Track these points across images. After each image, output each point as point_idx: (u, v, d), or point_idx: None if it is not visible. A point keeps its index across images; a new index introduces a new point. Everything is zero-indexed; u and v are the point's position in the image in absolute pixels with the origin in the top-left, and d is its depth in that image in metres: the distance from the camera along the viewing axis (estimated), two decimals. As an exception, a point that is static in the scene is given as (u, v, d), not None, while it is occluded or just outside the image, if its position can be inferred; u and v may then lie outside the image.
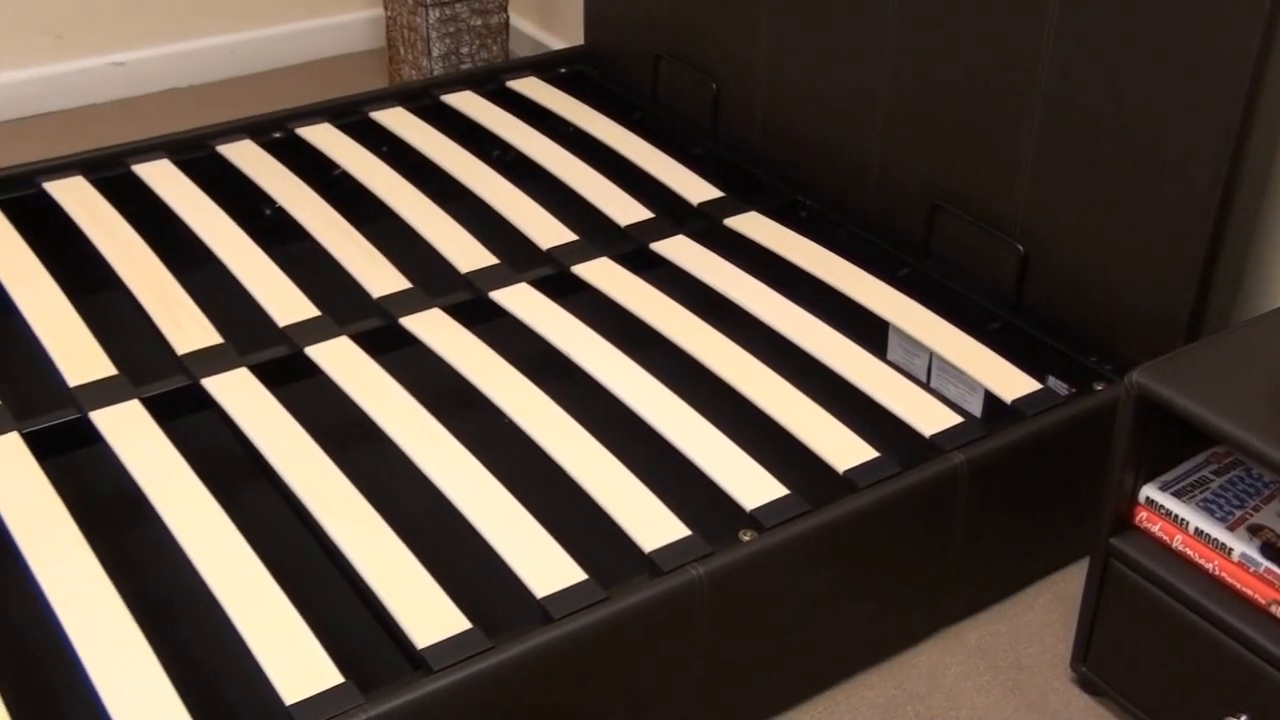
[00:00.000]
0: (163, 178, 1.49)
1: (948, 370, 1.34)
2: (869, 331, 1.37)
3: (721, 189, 1.56)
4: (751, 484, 1.09)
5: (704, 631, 1.01)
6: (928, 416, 1.17)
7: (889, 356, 1.41)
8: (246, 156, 1.54)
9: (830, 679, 1.13)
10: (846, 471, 1.10)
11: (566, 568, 1.00)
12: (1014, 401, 1.19)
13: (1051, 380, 1.30)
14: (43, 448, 1.12)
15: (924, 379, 1.37)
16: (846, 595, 1.09)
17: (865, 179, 1.48)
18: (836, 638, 1.11)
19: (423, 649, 0.92)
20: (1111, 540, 1.05)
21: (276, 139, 1.60)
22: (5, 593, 1.16)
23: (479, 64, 2.04)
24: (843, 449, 1.13)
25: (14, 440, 1.10)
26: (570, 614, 0.95)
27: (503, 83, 1.75)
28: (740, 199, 1.55)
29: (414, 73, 2.05)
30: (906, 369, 1.39)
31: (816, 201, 1.54)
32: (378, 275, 1.35)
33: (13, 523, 1.01)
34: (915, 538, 1.11)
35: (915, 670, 1.14)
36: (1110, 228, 1.23)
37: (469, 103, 1.69)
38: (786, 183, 1.58)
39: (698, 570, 0.99)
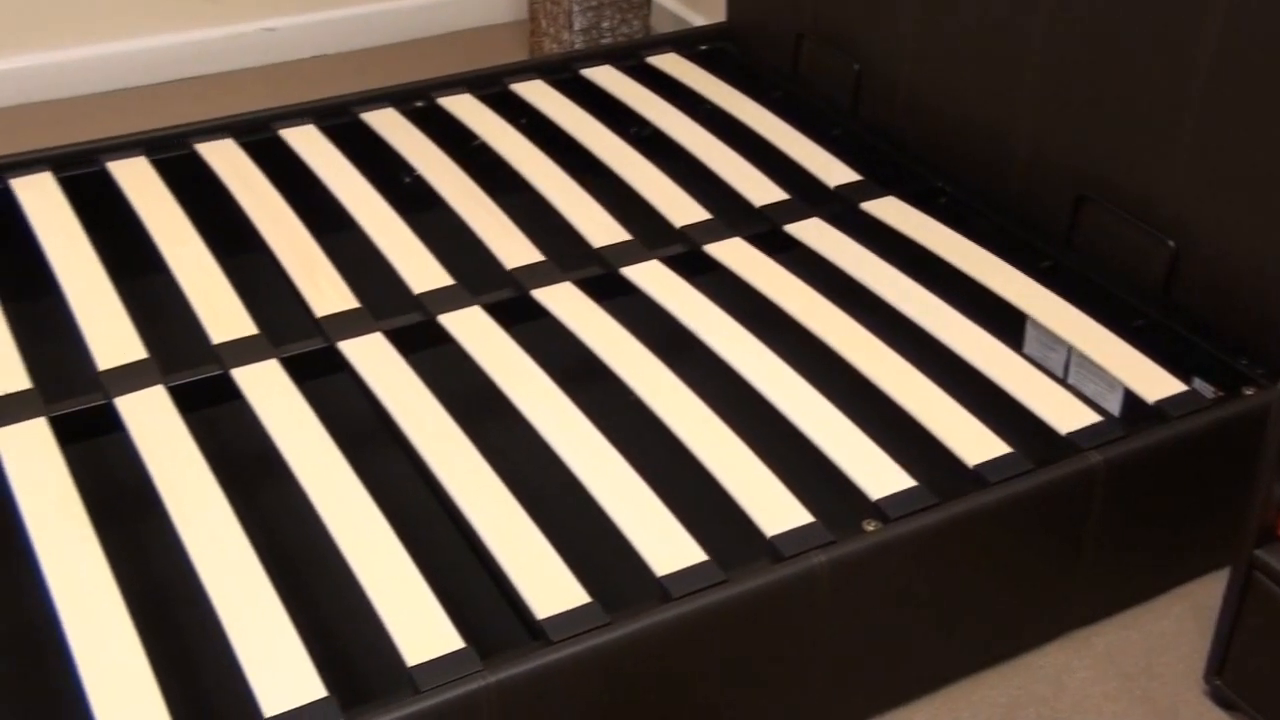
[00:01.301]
0: (307, 142, 1.52)
1: (1087, 367, 1.30)
2: (1006, 324, 1.34)
3: (860, 172, 1.53)
4: (878, 473, 1.07)
5: (823, 620, 1.00)
6: (1064, 413, 1.13)
7: (1025, 350, 1.37)
8: (388, 124, 1.56)
9: (950, 676, 1.11)
10: (977, 466, 1.08)
11: (687, 547, 0.99)
12: (1157, 402, 1.15)
13: (1197, 382, 1.25)
14: (185, 402, 1.15)
15: (1061, 375, 1.34)
16: (971, 592, 1.07)
17: (1009, 166, 1.44)
18: (958, 635, 1.09)
19: (542, 619, 0.93)
20: (1256, 552, 1.01)
21: (418, 108, 1.62)
22: (157, 538, 1.20)
23: (620, 39, 2.04)
24: (974, 443, 1.10)
25: (159, 393, 1.14)
26: (689, 594, 0.95)
27: (642, 58, 1.75)
28: (878, 183, 1.52)
29: (555, 46, 2.06)
30: (1043, 364, 1.35)
31: (957, 188, 1.51)
32: (511, 246, 1.36)
33: (157, 474, 1.05)
34: (1046, 538, 1.08)
35: (1040, 672, 1.11)
36: (1268, 224, 1.18)
37: (608, 77, 1.69)
38: (927, 168, 1.55)
39: (819, 558, 0.98)
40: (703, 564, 0.98)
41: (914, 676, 1.09)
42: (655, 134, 1.64)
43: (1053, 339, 1.33)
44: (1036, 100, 1.39)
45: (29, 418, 1.10)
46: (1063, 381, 1.34)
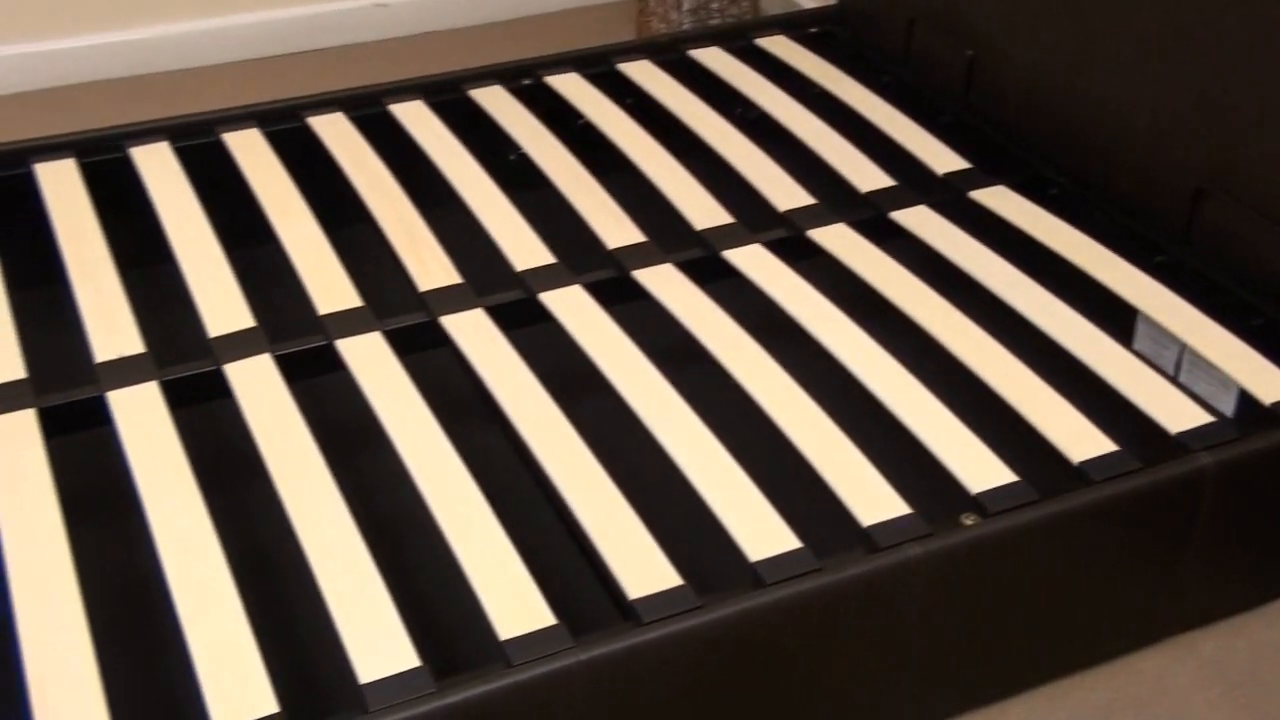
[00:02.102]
0: (416, 118, 1.53)
1: (1200, 365, 1.26)
2: (1116, 319, 1.31)
3: (969, 160, 1.50)
4: (978, 467, 1.05)
5: (917, 613, 0.99)
6: (1175, 412, 1.10)
7: (1135, 346, 1.34)
8: (495, 102, 1.57)
9: (1047, 675, 1.09)
10: (1081, 463, 1.05)
11: (781, 533, 0.99)
12: (1273, 404, 1.11)
13: (1316, 385, 1.21)
14: (291, 371, 1.18)
15: (1172, 373, 1.30)
16: (1071, 591, 1.05)
17: (1125, 158, 1.41)
18: (1057, 634, 1.07)
19: (634, 600, 0.93)
20: (1372, 563, 0.97)
21: (525, 86, 1.62)
22: (260, 502, 1.23)
23: (728, 20, 2.03)
24: (1078, 439, 1.08)
25: (266, 361, 1.16)
26: (782, 580, 0.95)
27: (751, 40, 1.73)
28: (988, 172, 1.49)
29: (662, 26, 2.05)
30: (1154, 361, 1.32)
31: (1069, 179, 1.47)
32: (613, 226, 1.36)
33: (261, 440, 1.07)
34: (1151, 539, 1.05)
35: (1140, 676, 1.09)
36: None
37: (715, 59, 1.68)
38: (1038, 157, 1.52)
39: (915, 550, 0.97)
40: (796, 551, 0.97)
41: (1009, 674, 1.07)
42: (761, 117, 1.62)
43: (1165, 336, 1.30)
44: (1156, 89, 1.35)
45: (142, 381, 1.13)
46: (1174, 380, 1.30)
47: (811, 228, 1.37)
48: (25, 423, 1.08)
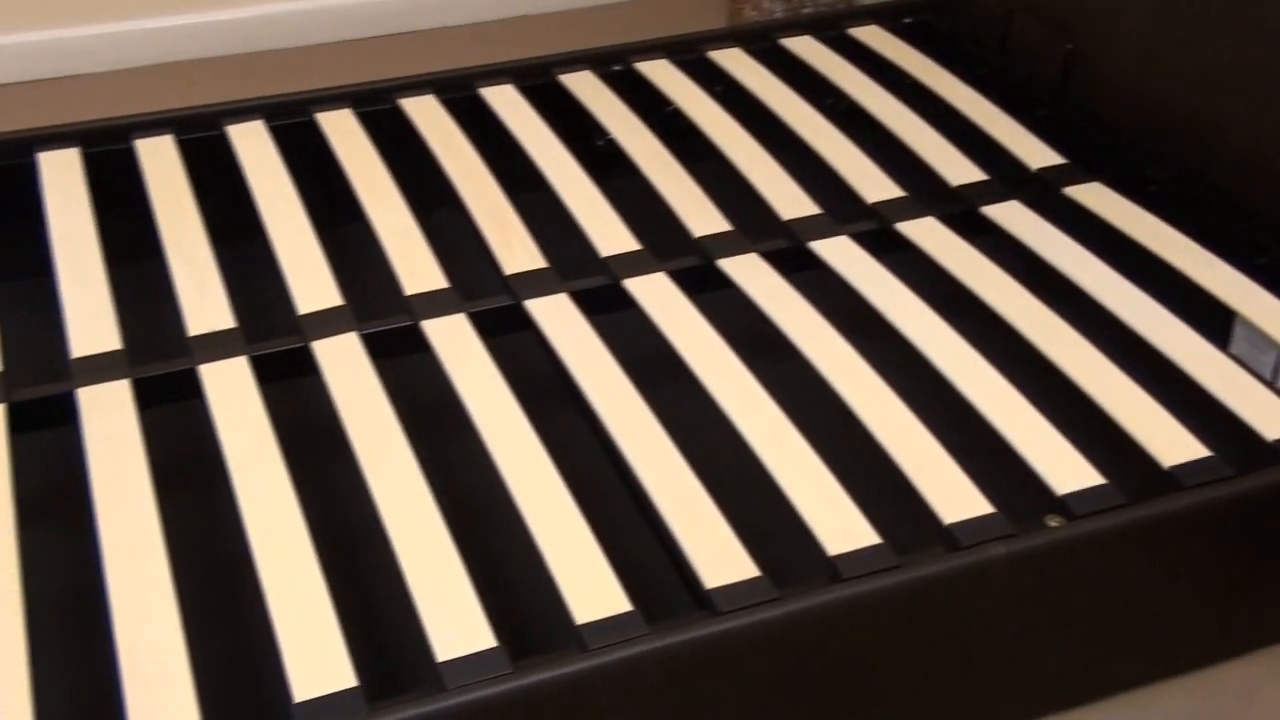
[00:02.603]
0: (505, 102, 1.54)
1: (1299, 372, 1.23)
2: (1212, 322, 1.27)
3: (1064, 155, 1.47)
4: (1065, 468, 1.03)
5: (997, 615, 0.98)
6: (1271, 418, 1.08)
7: (1231, 350, 1.31)
8: (585, 87, 1.57)
9: (1131, 682, 1.07)
10: (1172, 467, 1.03)
11: (861, 528, 0.98)
12: (1375, 414, 1.08)
13: None
14: (376, 350, 1.19)
15: (1270, 378, 1.27)
16: (1158, 598, 1.02)
17: (1227, 157, 1.37)
18: (1142, 640, 1.04)
19: (710, 589, 0.93)
20: None
21: (615, 71, 1.62)
22: (344, 479, 1.24)
23: (822, 9, 2.01)
24: (1170, 443, 1.06)
25: (353, 340, 1.18)
26: (860, 576, 0.94)
27: (843, 29, 1.72)
28: (1084, 167, 1.46)
29: (755, 14, 2.04)
30: (1251, 365, 1.29)
31: (1169, 176, 1.44)
32: (699, 215, 1.36)
33: (346, 418, 1.08)
34: (1244, 548, 1.03)
35: (1227, 686, 1.06)
36: None
37: (807, 48, 1.67)
38: (1137, 153, 1.48)
39: (998, 550, 0.95)
40: (876, 546, 0.96)
41: (1091, 680, 1.06)
42: (852, 107, 1.61)
43: (1263, 340, 1.26)
44: (1262, 87, 1.31)
45: (231, 356, 1.15)
46: (1271, 385, 1.27)
47: (900, 220, 1.35)
48: (120, 393, 1.11)
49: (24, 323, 1.36)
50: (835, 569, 0.95)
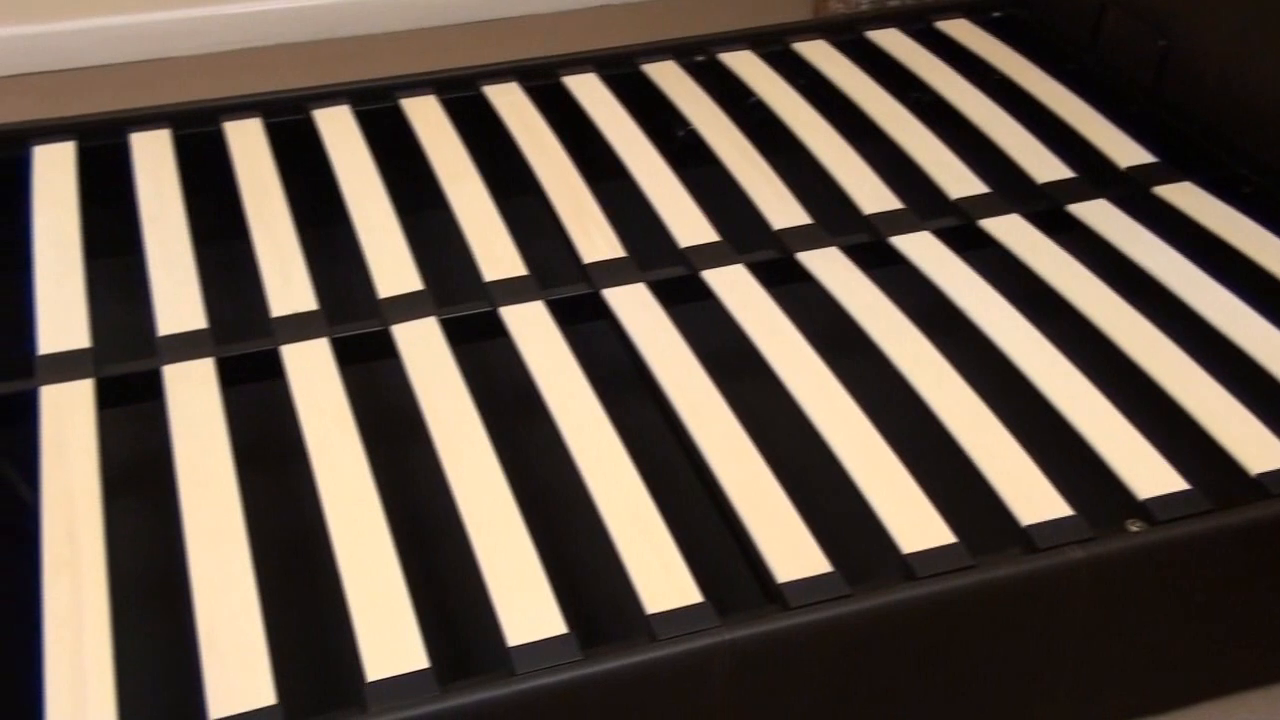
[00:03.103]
0: (587, 90, 1.54)
1: (1395, 381, 1.19)
2: (1305, 326, 1.24)
3: (1156, 154, 1.44)
4: (1147, 472, 1.01)
5: (1074, 619, 0.96)
6: (1365, 429, 1.05)
7: (1325, 357, 1.27)
8: (667, 77, 1.57)
9: (1208, 693, 1.05)
10: (1259, 474, 1.01)
11: (935, 527, 0.97)
12: None
13: None
14: (454, 335, 1.20)
15: (1364, 387, 1.23)
16: (1239, 607, 1.00)
17: (1325, 157, 1.33)
18: (1222, 650, 1.02)
19: (782, 583, 0.92)
20: None
21: (698, 62, 1.62)
22: (420, 462, 1.26)
23: (909, 2, 1.99)
24: (1257, 449, 1.03)
25: (432, 325, 1.18)
26: (934, 575, 0.93)
27: (931, 23, 1.70)
28: (1176, 166, 1.43)
29: (840, 6, 2.03)
30: (1344, 373, 1.25)
31: (1264, 177, 1.40)
32: (779, 207, 1.35)
33: (424, 402, 1.09)
34: (1331, 560, 1.00)
35: (1308, 703, 1.04)
36: None
37: (893, 41, 1.65)
38: (1232, 154, 1.45)
39: (1077, 554, 0.94)
40: (951, 546, 0.95)
41: (1166, 689, 1.04)
42: (937, 101, 1.59)
43: (1358, 347, 1.23)
44: (1365, 87, 1.27)
45: (313, 338, 1.17)
46: (1365, 394, 1.23)
47: (984, 217, 1.33)
48: (204, 371, 1.13)
49: (113, 301, 1.39)
50: (909, 567, 0.94)
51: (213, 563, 0.95)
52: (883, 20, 1.69)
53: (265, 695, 0.85)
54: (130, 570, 1.15)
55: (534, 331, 1.18)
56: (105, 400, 1.12)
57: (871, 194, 1.37)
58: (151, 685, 1.06)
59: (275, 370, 1.15)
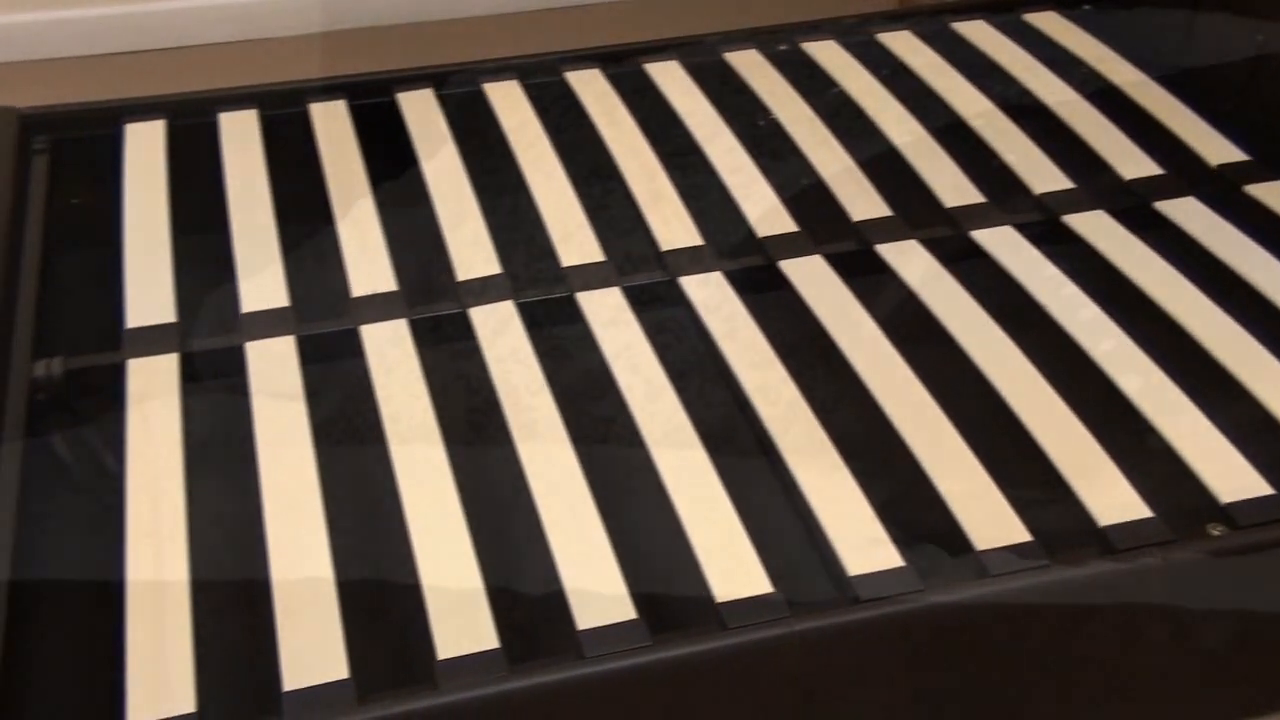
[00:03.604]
0: (669, 78, 1.54)
1: None
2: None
3: (1248, 152, 1.41)
4: (1230, 475, 0.99)
5: (1150, 622, 0.95)
6: None
7: None
8: (749, 65, 1.57)
9: (1266, 707, 1.03)
10: (1348, 483, 0.98)
11: (1010, 525, 0.96)
12: None
13: None
14: (531, 319, 1.21)
15: None
16: (1323, 618, 0.98)
17: None
18: (1301, 661, 1.00)
19: (853, 576, 0.92)
20: None
21: (781, 51, 1.61)
22: (495, 446, 1.27)
23: (994, -7, 1.96)
24: (1347, 457, 1.01)
25: (509, 309, 1.19)
26: (1007, 573, 0.92)
27: (1019, 15, 1.67)
28: (1270, 166, 1.40)
29: (925, -3, 2.00)
30: None
31: (1360, 178, 1.37)
32: (859, 198, 1.34)
33: (501, 387, 1.10)
34: None
35: (1391, 717, 1.01)
36: None
37: (980, 33, 1.63)
38: (1327, 153, 1.41)
39: (1155, 557, 0.92)
40: (1026, 544, 0.94)
41: (1243, 698, 1.02)
42: (1023, 94, 1.56)
43: None
44: None
45: (392, 318, 1.18)
46: None
47: (1067, 213, 1.31)
48: (285, 349, 1.15)
49: (199, 277, 1.42)
50: (982, 564, 0.93)
51: (289, 538, 0.96)
52: (970, 12, 1.67)
53: (339, 669, 0.87)
54: (211, 543, 1.18)
55: (609, 318, 1.18)
56: (189, 375, 1.15)
57: (953, 187, 1.35)
58: (228, 654, 1.08)
59: (355, 349, 1.17)
